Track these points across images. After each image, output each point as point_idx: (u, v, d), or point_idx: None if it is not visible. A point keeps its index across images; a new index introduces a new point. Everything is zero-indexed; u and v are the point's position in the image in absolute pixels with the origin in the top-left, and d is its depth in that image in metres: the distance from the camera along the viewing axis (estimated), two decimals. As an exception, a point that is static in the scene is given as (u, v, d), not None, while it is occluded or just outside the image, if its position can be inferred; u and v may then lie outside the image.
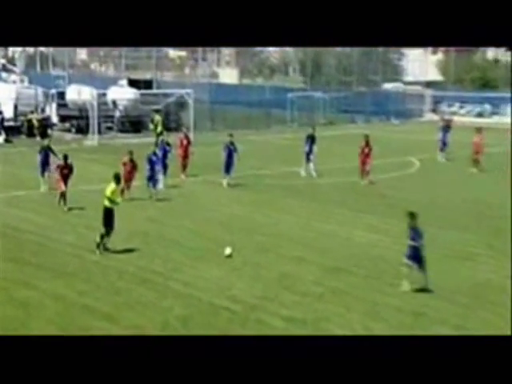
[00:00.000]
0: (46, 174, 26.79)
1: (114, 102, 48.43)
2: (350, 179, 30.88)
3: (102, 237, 18.36)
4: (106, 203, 18.51)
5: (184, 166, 30.82)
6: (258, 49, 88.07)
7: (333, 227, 22.42)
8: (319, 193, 28.54)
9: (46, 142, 28.51)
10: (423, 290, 15.76)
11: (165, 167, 28.19)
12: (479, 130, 37.02)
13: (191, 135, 32.30)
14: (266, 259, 18.46)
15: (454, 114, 63.37)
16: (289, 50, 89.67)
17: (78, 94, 47.92)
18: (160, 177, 27.36)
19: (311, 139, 32.52)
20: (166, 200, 25.91)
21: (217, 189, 28.60)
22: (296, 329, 13.43)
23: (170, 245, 19.59)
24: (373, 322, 13.96)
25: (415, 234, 15.68)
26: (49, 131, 44.58)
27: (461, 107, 65.40)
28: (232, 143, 29.37)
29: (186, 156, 30.98)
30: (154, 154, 26.33)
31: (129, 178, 25.09)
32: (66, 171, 24.09)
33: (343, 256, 18.79)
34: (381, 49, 71.73)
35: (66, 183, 23.99)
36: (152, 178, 25.74)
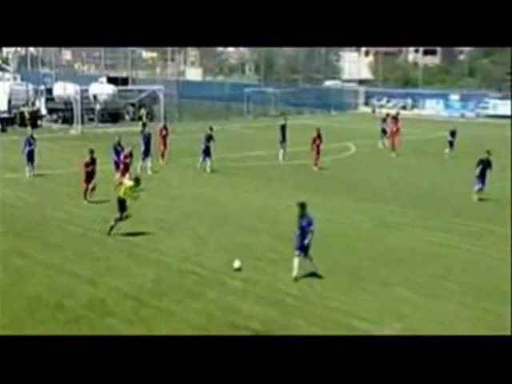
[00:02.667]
0: (31, 162, 25.72)
1: (95, 97, 47.73)
2: (300, 162, 30.80)
3: (116, 221, 17.28)
4: (121, 194, 17.38)
5: (163, 153, 29.98)
6: (219, 50, 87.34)
7: (283, 202, 22.39)
8: (273, 174, 28.42)
9: (29, 132, 27.32)
10: (313, 273, 14.26)
11: (147, 154, 27.42)
12: (396, 119, 37.33)
13: (162, 125, 31.55)
14: (228, 230, 18.35)
15: (383, 106, 63.99)
16: (245, 51, 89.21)
17: (64, 89, 47.21)
18: (145, 163, 26.85)
19: (283, 128, 31.68)
20: (146, 182, 25.43)
21: (187, 171, 28.27)
22: (252, 289, 13.38)
23: (146, 220, 19.31)
24: (315, 283, 13.96)
25: (306, 222, 14.06)
26: (38, 122, 43.79)
27: (388, 101, 65.91)
28: (211, 135, 28.29)
29: (165, 144, 30.16)
30: (119, 144, 24.91)
31: (128, 169, 23.37)
32: (91, 167, 21.34)
33: (292, 227, 18.73)
34: (322, 51, 71.91)
35: (91, 179, 21.30)
36: (118, 165, 24.26)
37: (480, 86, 65.31)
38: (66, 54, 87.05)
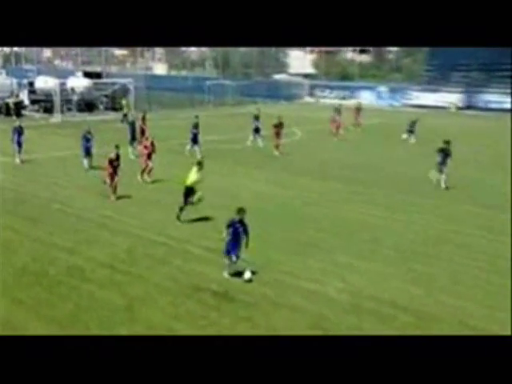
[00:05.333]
0: (20, 149, 24.49)
1: (73, 89, 46.44)
2: (257, 146, 30.54)
3: (181, 209, 16.01)
4: (188, 183, 15.91)
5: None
6: (183, 48, 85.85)
7: (245, 181, 22.34)
8: (236, 156, 28.09)
9: (17, 122, 26.06)
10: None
11: (134, 140, 26.51)
12: (338, 110, 37.47)
13: (142, 114, 30.46)
14: (195, 206, 18.13)
15: (325, 97, 64.39)
16: (205, 49, 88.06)
17: (45, 83, 45.85)
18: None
19: (256, 118, 30.64)
20: (130, 165, 24.83)
21: (163, 154, 27.61)
22: (213, 256, 13.31)
23: (122, 196, 18.94)
24: (278, 254, 13.87)
25: (242, 229, 12.06)
26: (22, 112, 42.57)
27: (330, 92, 66.29)
28: (197, 122, 27.23)
29: (143, 132, 28.64)
30: (89, 132, 23.54)
31: (150, 156, 21.63)
32: (116, 163, 18.67)
33: (252, 202, 18.67)
34: (273, 49, 71.66)
35: (116, 175, 18.65)
36: (88, 151, 23.15)
37: (405, 80, 66.45)
38: (47, 51, 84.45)
